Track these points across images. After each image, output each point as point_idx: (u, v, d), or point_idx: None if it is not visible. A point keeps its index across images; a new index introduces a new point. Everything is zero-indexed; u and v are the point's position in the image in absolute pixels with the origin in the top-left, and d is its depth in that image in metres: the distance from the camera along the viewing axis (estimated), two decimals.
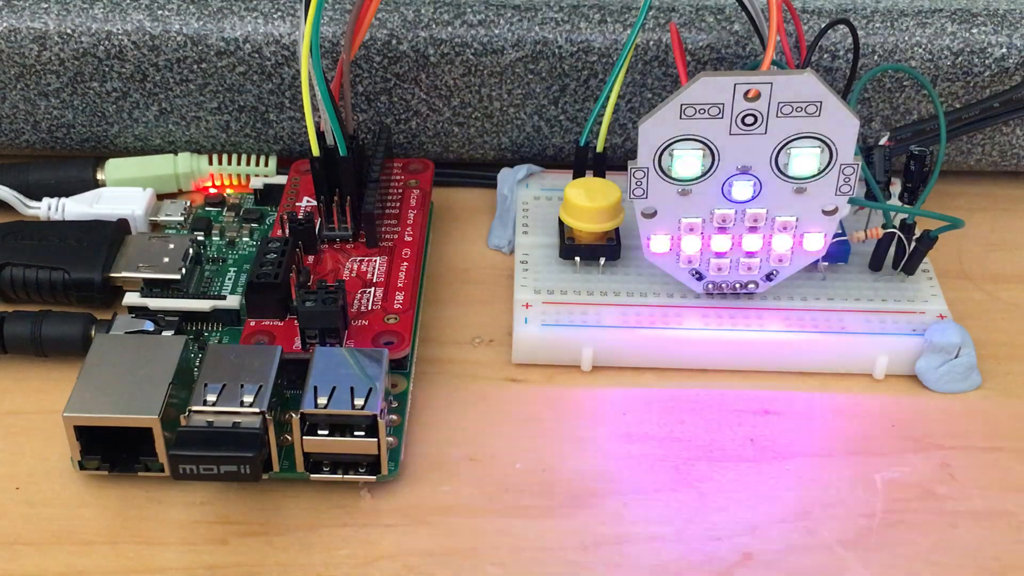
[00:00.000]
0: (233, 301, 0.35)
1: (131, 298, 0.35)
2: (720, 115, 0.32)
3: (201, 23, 0.40)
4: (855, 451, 0.33)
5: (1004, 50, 0.39)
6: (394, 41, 0.40)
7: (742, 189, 0.33)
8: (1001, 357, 0.36)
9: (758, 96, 0.32)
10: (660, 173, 0.33)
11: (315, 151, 0.36)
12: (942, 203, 0.41)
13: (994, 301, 0.38)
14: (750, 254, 0.35)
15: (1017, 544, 0.30)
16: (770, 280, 0.35)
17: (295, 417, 0.30)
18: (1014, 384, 0.35)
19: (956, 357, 0.34)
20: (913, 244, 0.36)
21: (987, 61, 0.40)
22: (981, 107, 0.40)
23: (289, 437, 0.31)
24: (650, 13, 0.40)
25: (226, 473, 0.29)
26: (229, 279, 0.37)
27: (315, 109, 0.35)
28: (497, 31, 0.40)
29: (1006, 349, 0.36)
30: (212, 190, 0.42)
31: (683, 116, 0.32)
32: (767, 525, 0.31)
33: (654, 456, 0.33)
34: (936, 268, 0.37)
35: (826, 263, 0.36)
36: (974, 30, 0.40)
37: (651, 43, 0.40)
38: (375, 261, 0.37)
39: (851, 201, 0.34)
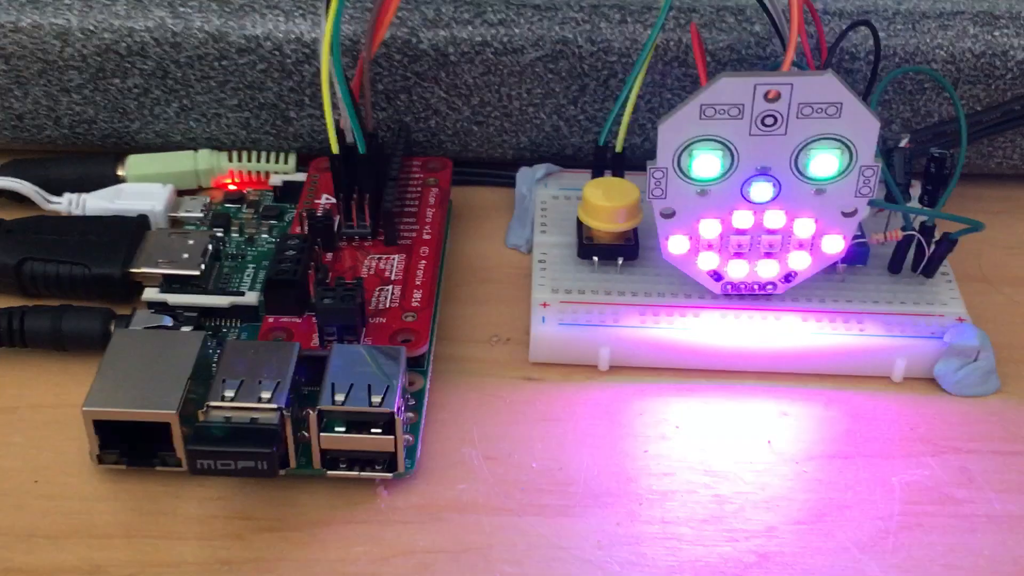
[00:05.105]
0: (251, 297, 0.36)
1: (150, 293, 0.36)
2: (740, 116, 0.32)
3: (222, 20, 0.40)
4: (872, 453, 0.33)
5: None
6: (414, 40, 0.40)
7: (761, 190, 0.33)
8: (1020, 361, 0.36)
9: (778, 97, 0.32)
10: (679, 173, 0.33)
11: (334, 149, 0.36)
12: (962, 206, 0.41)
13: (1014, 304, 0.38)
14: (769, 255, 0.35)
15: None
16: (788, 282, 0.35)
17: (312, 413, 0.30)
18: None
19: (975, 360, 0.34)
20: (933, 246, 0.36)
21: (1009, 64, 0.39)
22: (1002, 110, 0.40)
23: (306, 433, 0.31)
24: (670, 13, 0.40)
25: (243, 469, 0.29)
26: (248, 275, 0.37)
27: (335, 107, 0.35)
28: (517, 30, 0.40)
29: None
30: (232, 187, 0.42)
31: (703, 116, 0.32)
32: (783, 527, 0.31)
33: (670, 457, 0.33)
34: (956, 271, 0.37)
35: (845, 265, 0.36)
36: (996, 32, 0.39)
37: (671, 43, 0.40)
38: (393, 259, 0.37)
39: (871, 203, 0.34)
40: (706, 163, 0.33)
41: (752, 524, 0.31)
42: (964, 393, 0.34)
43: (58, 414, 0.33)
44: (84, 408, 0.30)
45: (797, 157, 0.33)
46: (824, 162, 0.33)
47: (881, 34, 0.39)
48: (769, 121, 0.32)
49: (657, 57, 0.40)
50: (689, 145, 0.32)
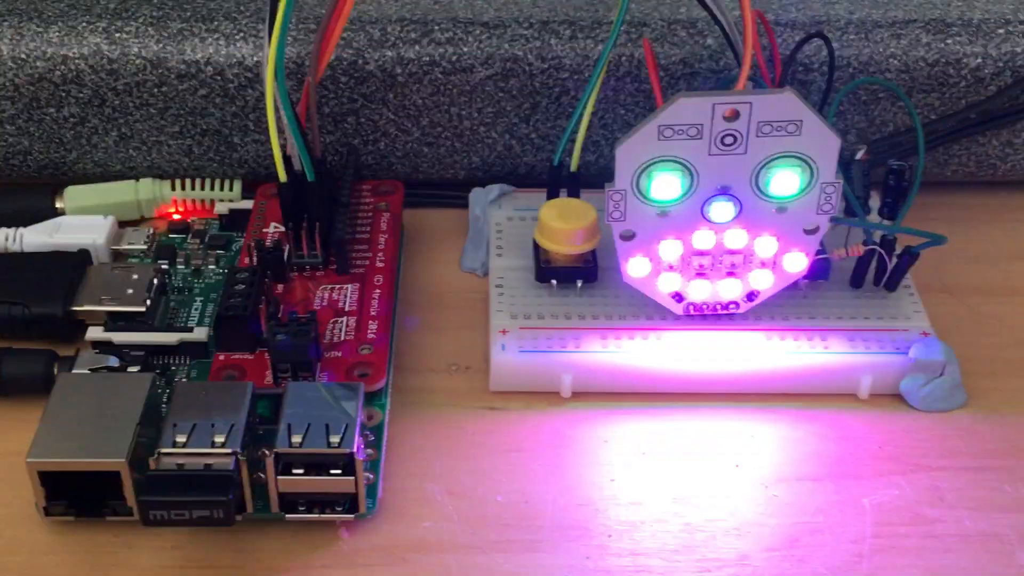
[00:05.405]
0: (201, 333, 0.34)
1: (94, 332, 0.34)
2: (699, 136, 0.31)
3: (161, 46, 0.38)
4: (842, 474, 0.32)
5: (979, 60, 0.39)
6: (360, 61, 0.39)
7: (722, 210, 0.33)
8: (985, 373, 0.35)
9: (737, 116, 0.31)
10: (638, 195, 0.32)
11: (282, 177, 0.35)
12: (920, 215, 0.40)
13: (976, 315, 0.38)
14: (731, 275, 0.34)
15: (1008, 569, 0.30)
16: (751, 300, 0.35)
17: (269, 457, 0.29)
18: (998, 400, 0.35)
19: (940, 375, 0.34)
20: (894, 260, 0.35)
21: (963, 72, 0.39)
22: (957, 119, 0.40)
23: (263, 475, 0.30)
24: (621, 28, 0.39)
25: (198, 518, 0.28)
26: (196, 310, 0.36)
27: (280, 133, 0.34)
28: (466, 49, 0.39)
29: (990, 365, 0.36)
30: (176, 216, 0.40)
31: (661, 137, 0.31)
32: (756, 554, 0.30)
33: (638, 485, 0.32)
34: (917, 282, 0.37)
35: (807, 280, 0.36)
36: (949, 40, 0.39)
37: (623, 58, 0.39)
38: (347, 288, 0.36)
39: (832, 219, 0.33)
40: (665, 184, 0.32)
41: (724, 552, 0.30)
42: (931, 408, 0.34)
43: (0, 464, 0.32)
44: (28, 460, 0.29)
45: (757, 176, 0.32)
46: (785, 180, 0.32)
47: (834, 44, 0.38)
48: (728, 140, 0.31)
49: (609, 72, 0.39)
50: (648, 166, 0.32)
